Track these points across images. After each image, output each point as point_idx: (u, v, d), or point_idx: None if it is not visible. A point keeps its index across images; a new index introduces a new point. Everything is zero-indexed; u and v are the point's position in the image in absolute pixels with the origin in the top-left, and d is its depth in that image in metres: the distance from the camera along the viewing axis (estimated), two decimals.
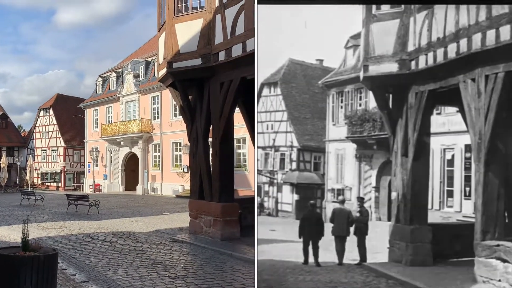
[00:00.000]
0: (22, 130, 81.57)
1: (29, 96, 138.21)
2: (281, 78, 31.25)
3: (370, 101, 23.86)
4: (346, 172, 26.70)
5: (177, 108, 39.89)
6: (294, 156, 29.97)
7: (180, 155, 42.40)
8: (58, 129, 65.12)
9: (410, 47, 12.59)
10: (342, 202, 14.56)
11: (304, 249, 13.43)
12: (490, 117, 10.32)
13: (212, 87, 16.68)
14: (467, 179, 19.54)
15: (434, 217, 17.48)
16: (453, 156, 20.55)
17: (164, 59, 17.74)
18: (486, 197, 10.45)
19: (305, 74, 32.09)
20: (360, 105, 25.88)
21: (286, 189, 29.61)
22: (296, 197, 28.79)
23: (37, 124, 68.49)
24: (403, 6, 12.77)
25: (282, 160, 30.60)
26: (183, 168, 40.61)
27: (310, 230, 13.41)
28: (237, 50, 15.13)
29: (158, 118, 45.32)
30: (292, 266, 12.87)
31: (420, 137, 12.75)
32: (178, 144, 42.45)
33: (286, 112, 30.72)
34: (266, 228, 21.50)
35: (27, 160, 61.30)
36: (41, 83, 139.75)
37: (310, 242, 13.37)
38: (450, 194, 20.51)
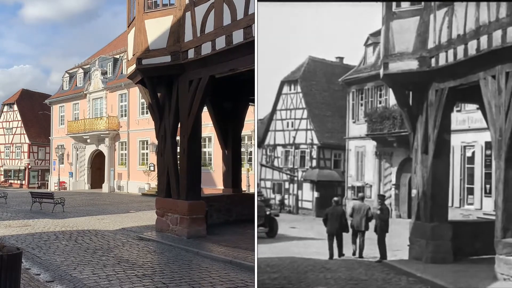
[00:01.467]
0: None
1: None
2: (301, 76, 31.30)
3: (390, 99, 23.98)
4: (366, 170, 26.89)
5: (145, 106, 39.80)
6: (314, 154, 30.09)
7: (147, 153, 42.18)
8: (22, 125, 64.06)
9: (430, 44, 12.57)
10: (362, 198, 14.93)
11: (329, 244, 13.89)
12: (511, 114, 10.33)
13: (181, 85, 16.60)
14: (488, 176, 19.58)
15: (454, 214, 17.74)
16: (473, 153, 20.62)
17: (133, 55, 17.58)
18: (506, 194, 10.45)
19: (325, 72, 32.14)
20: (380, 102, 26.07)
21: (307, 186, 29.75)
22: (316, 194, 28.98)
23: (1, 120, 67.22)
24: (423, 3, 12.76)
25: (302, 158, 30.70)
26: (150, 166, 40.41)
27: (334, 226, 13.86)
28: (206, 48, 15.07)
29: (125, 116, 44.98)
30: (312, 263, 12.85)
31: (440, 134, 12.76)
32: (145, 142, 42.23)
33: (306, 110, 30.78)
34: (287, 226, 21.44)
35: None
36: (6, 78, 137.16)
37: (335, 237, 13.88)
38: (471, 191, 20.58)
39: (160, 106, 17.65)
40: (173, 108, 16.99)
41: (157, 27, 16.67)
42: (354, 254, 13.79)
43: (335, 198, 14.67)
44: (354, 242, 13.96)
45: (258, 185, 18.63)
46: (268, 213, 18.24)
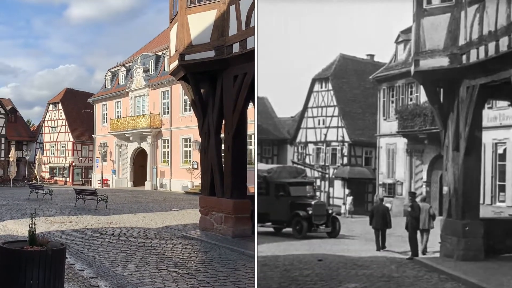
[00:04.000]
0: (31, 125, 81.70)
1: (39, 90, 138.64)
2: (332, 74, 31.51)
3: (421, 96, 24.22)
4: (397, 167, 27.07)
5: (188, 102, 39.74)
6: (345, 151, 30.33)
7: (190, 151, 41.95)
8: (66, 124, 65.06)
9: (461, 41, 12.55)
10: (424, 199, 15.27)
11: (376, 238, 14.84)
12: None
13: (225, 80, 16.30)
14: None
15: (485, 212, 17.71)
16: (505, 150, 20.63)
17: (175, 51, 17.39)
18: None
19: (356, 69, 32.43)
20: (411, 99, 26.25)
21: (338, 184, 29.92)
22: (347, 191, 28.95)
23: (46, 119, 68.49)
24: (454, 0, 12.74)
25: (333, 155, 30.96)
26: (193, 164, 40.25)
27: (379, 222, 14.85)
28: (252, 42, 14.72)
29: (167, 113, 44.90)
30: (343, 261, 12.81)
31: (471, 131, 12.69)
32: (188, 140, 41.99)
33: (337, 107, 30.85)
34: None
35: (35, 155, 61.43)
36: (52, 77, 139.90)
37: (380, 232, 14.86)
38: (502, 188, 20.59)
39: (204, 102, 17.41)
40: (217, 105, 16.72)
41: (200, 22, 16.44)
42: (423, 252, 13.95)
43: (380, 196, 15.10)
44: (421, 240, 14.16)
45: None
46: (330, 212, 17.86)
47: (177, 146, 43.52)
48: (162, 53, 47.25)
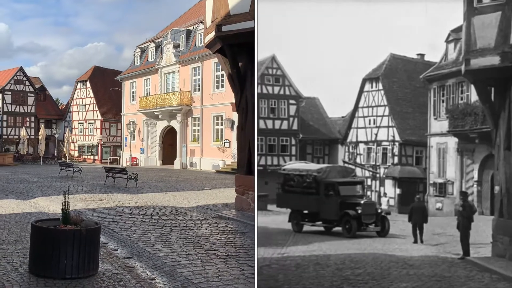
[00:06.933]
0: (60, 104, 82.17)
1: (68, 69, 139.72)
2: (383, 73, 31.93)
3: (472, 95, 23.98)
4: (448, 166, 26.97)
5: (220, 79, 39.08)
6: (396, 151, 30.72)
7: (222, 129, 41.12)
8: (95, 102, 65.11)
9: None
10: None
11: (413, 232, 15.73)
12: None
13: None
14: None
15: None
16: None
17: (212, 22, 16.62)
18: None
19: (406, 69, 33.03)
20: (461, 98, 26.07)
21: (389, 183, 30.18)
22: (398, 191, 29.26)
23: (75, 97, 68.72)
24: None
25: (384, 155, 31.38)
26: (224, 142, 39.58)
27: (418, 218, 15.77)
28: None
29: (198, 90, 44.09)
30: (395, 260, 12.64)
31: None
32: (220, 117, 41.08)
33: (388, 107, 31.22)
34: None
35: (64, 133, 61.74)
36: (81, 56, 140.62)
37: (417, 226, 15.72)
38: None
39: (241, 76, 16.65)
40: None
41: None
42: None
43: (418, 196, 16.84)
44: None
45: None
46: (380, 211, 17.74)
47: (208, 124, 42.79)
48: (193, 28, 46.35)
